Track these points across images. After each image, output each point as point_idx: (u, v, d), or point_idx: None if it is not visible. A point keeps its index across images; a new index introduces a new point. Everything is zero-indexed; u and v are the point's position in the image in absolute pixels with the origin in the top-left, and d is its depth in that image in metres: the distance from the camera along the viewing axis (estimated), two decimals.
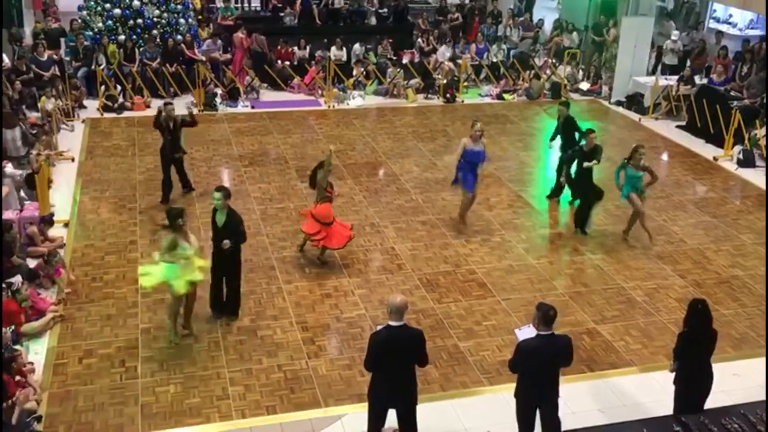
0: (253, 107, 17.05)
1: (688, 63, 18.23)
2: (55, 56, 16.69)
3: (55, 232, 10.61)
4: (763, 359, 8.34)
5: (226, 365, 8.05)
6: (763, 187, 13.46)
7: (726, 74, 16.89)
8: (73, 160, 13.54)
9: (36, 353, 8.12)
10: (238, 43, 17.98)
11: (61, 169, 13.08)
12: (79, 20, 18.01)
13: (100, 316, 8.87)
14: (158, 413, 7.34)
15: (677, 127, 16.55)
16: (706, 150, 15.26)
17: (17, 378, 7.25)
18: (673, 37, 18.90)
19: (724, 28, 20.30)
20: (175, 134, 11.61)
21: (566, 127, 12.24)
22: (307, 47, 19.02)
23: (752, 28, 19.92)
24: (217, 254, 8.51)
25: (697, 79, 17.25)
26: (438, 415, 7.34)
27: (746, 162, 14.36)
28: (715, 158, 14.80)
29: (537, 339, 6.18)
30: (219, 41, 18.23)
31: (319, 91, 18.03)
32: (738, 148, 14.66)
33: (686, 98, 16.71)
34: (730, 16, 20.71)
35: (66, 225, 11.02)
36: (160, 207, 11.73)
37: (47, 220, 10.50)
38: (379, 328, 6.37)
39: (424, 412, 6.66)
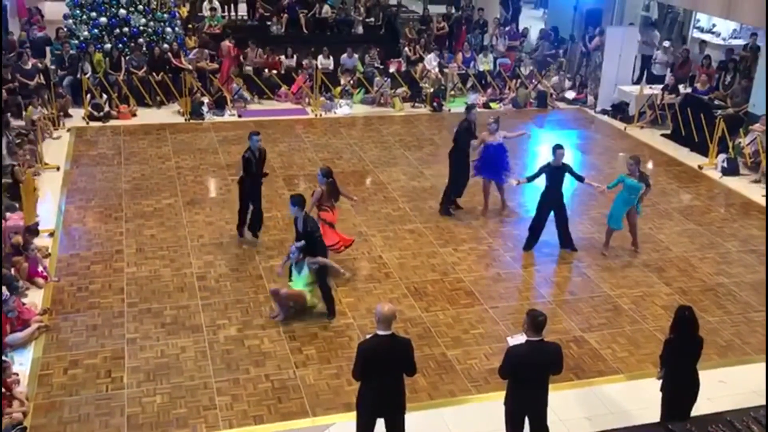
0: (240, 116, 17.02)
1: (668, 72, 18.37)
2: (39, 65, 16.62)
3: (41, 241, 10.52)
4: (749, 366, 8.44)
5: (213, 375, 8.02)
6: (747, 194, 13.57)
7: (710, 83, 17.04)
8: (58, 169, 13.45)
9: (21, 364, 8.03)
10: (225, 52, 17.96)
11: (46, 178, 12.99)
12: (65, 29, 17.94)
13: (85, 326, 8.80)
14: (144, 424, 7.29)
15: (662, 135, 16.67)
16: (690, 158, 15.37)
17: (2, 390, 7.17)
18: (665, 45, 19.07)
19: (707, 37, 20.49)
20: (261, 164, 10.92)
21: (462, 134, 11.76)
22: (294, 56, 19.02)
23: (736, 38, 20.11)
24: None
25: (681, 88, 17.40)
26: (426, 423, 7.34)
27: (730, 170, 14.48)
28: (699, 167, 14.91)
29: (526, 345, 6.19)
30: (206, 50, 18.21)
31: (306, 100, 18.03)
32: (722, 156, 14.78)
33: (671, 107, 16.86)
34: (714, 25, 20.92)
35: (51, 234, 10.95)
36: (146, 216, 11.70)
37: (32, 230, 10.43)
38: (367, 337, 6.36)
39: (412, 420, 6.65)
